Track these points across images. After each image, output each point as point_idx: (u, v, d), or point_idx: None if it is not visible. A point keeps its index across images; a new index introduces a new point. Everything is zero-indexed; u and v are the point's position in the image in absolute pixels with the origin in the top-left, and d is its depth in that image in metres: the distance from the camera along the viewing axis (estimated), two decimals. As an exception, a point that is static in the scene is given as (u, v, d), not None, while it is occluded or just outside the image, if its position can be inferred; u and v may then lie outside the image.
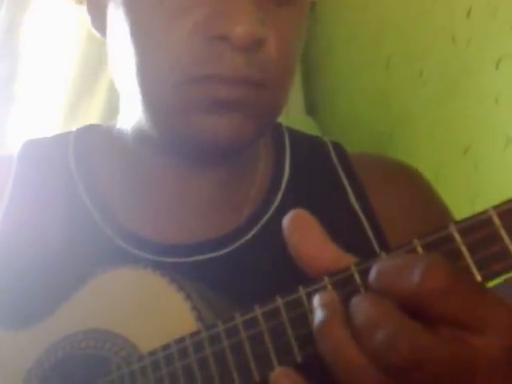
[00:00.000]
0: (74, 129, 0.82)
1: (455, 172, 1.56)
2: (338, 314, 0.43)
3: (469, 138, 1.54)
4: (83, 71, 2.02)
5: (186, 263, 0.69)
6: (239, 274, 0.69)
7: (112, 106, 2.02)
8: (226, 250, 0.71)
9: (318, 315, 0.44)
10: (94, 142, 0.79)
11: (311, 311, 0.49)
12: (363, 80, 2.07)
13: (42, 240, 0.71)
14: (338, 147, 0.81)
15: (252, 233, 0.72)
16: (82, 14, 2.05)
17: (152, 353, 0.57)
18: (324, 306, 0.44)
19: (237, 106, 0.62)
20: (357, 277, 0.47)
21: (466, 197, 1.48)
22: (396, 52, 1.89)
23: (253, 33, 0.58)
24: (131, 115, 0.72)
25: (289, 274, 0.64)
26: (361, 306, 0.42)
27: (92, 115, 2.02)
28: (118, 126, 0.77)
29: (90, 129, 0.82)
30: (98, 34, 0.73)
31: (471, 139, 1.52)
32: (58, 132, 0.83)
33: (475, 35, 1.54)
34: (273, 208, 0.74)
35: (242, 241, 0.71)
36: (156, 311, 0.59)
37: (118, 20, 0.66)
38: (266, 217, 0.73)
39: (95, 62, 2.00)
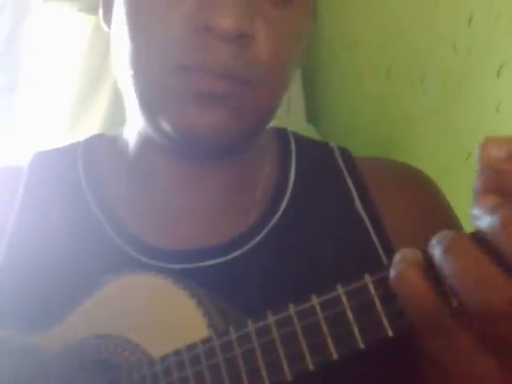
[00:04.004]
0: (81, 139, 0.83)
1: (457, 180, 1.56)
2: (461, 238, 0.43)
3: (470, 145, 1.53)
4: (85, 79, 2.02)
5: (193, 269, 0.69)
6: (245, 280, 0.69)
7: (114, 113, 2.03)
8: (231, 256, 0.71)
9: (443, 240, 0.43)
10: (102, 151, 0.80)
11: (324, 319, 0.49)
12: (364, 87, 2.07)
13: (51, 249, 0.72)
14: (344, 152, 0.81)
15: (258, 239, 0.72)
16: (84, 22, 2.06)
17: (163, 359, 0.57)
18: (441, 237, 0.44)
19: (220, 100, 0.62)
20: (371, 287, 0.48)
21: (468, 204, 1.47)
22: (397, 59, 1.89)
23: (236, 24, 0.59)
24: (134, 121, 0.73)
25: (295, 279, 0.65)
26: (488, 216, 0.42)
27: (94, 123, 2.02)
28: (124, 135, 0.78)
29: (97, 139, 0.83)
30: (106, 28, 0.74)
31: (472, 146, 1.52)
32: (60, 141, 0.84)
33: (476, 43, 1.54)
34: (279, 213, 0.74)
35: (248, 247, 0.72)
36: (167, 317, 0.60)
37: (118, 14, 0.67)
38: (272, 222, 0.74)
39: (97, 70, 2.01)
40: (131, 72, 0.65)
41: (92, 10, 1.96)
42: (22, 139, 1.94)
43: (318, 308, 0.49)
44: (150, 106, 0.66)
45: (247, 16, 0.60)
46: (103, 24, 0.74)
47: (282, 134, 0.83)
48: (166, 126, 0.64)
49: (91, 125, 2.02)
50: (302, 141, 0.83)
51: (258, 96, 0.65)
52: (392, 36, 1.90)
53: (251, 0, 0.61)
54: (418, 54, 1.78)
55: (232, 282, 0.68)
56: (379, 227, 0.74)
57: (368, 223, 0.74)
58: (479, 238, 0.42)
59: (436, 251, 0.43)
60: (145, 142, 0.73)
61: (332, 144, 0.83)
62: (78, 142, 0.83)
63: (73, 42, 1.98)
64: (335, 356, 0.48)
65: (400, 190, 0.78)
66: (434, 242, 0.44)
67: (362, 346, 0.47)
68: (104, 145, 0.81)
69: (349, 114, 2.16)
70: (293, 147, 0.81)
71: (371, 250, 0.73)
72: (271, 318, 0.51)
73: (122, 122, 0.79)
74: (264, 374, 0.51)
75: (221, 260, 0.70)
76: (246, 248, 0.71)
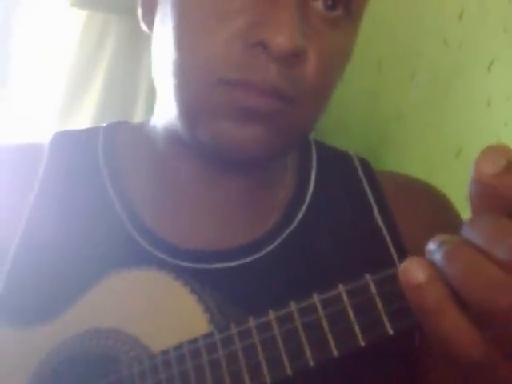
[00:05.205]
0: (102, 125, 0.82)
1: (447, 174, 1.56)
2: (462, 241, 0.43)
3: (461, 140, 1.54)
4: (74, 75, 2.02)
5: (207, 270, 0.69)
6: (259, 285, 0.69)
7: (104, 109, 2.03)
8: (246, 260, 0.70)
9: (445, 244, 0.43)
10: (124, 140, 0.79)
11: (325, 317, 0.49)
12: (355, 82, 2.06)
13: (66, 233, 0.71)
14: (364, 163, 0.81)
15: (274, 244, 0.72)
16: (75, 17, 2.05)
17: (164, 352, 0.57)
18: (442, 242, 0.43)
19: (263, 117, 0.61)
20: (372, 286, 0.48)
21: (459, 199, 1.48)
22: (388, 54, 1.89)
23: (293, 44, 0.57)
24: (164, 115, 0.72)
25: (309, 287, 0.64)
26: (480, 224, 0.42)
27: (84, 116, 2.02)
28: (150, 126, 0.76)
29: (120, 126, 0.82)
30: (145, 29, 0.72)
31: (463, 142, 1.53)
32: (52, 133, 0.82)
33: (467, 37, 1.54)
34: (297, 220, 0.74)
35: (264, 252, 0.71)
36: (168, 313, 0.60)
37: (164, 18, 0.66)
38: (290, 228, 0.73)
39: (88, 63, 2.00)
40: (174, 81, 0.64)
41: (84, 5, 1.95)
42: (11, 133, 1.94)
43: (318, 305, 0.50)
44: (190, 115, 0.64)
45: (302, 35, 0.59)
46: (142, 24, 0.72)
47: (303, 140, 0.81)
48: (204, 136, 0.63)
49: (81, 120, 2.01)
50: (323, 148, 0.82)
51: (300, 114, 0.64)
52: (382, 30, 1.90)
53: (305, 19, 0.60)
54: (409, 48, 1.79)
55: (246, 287, 0.68)
56: (397, 238, 0.74)
57: (386, 233, 0.74)
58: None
59: (437, 255, 0.43)
60: (172, 139, 0.71)
61: (351, 153, 0.82)
62: (99, 127, 0.81)
63: (64, 36, 1.98)
64: (336, 353, 0.49)
65: (418, 206, 0.78)
66: (433, 247, 0.43)
67: (362, 343, 0.48)
68: (126, 133, 0.80)
69: (339, 109, 2.15)
70: (314, 154, 0.80)
71: (388, 259, 0.72)
72: (272, 315, 0.52)
73: (111, 118, 0.78)
74: (264, 369, 0.52)
75: (235, 263, 0.70)
76: (261, 253, 0.71)
